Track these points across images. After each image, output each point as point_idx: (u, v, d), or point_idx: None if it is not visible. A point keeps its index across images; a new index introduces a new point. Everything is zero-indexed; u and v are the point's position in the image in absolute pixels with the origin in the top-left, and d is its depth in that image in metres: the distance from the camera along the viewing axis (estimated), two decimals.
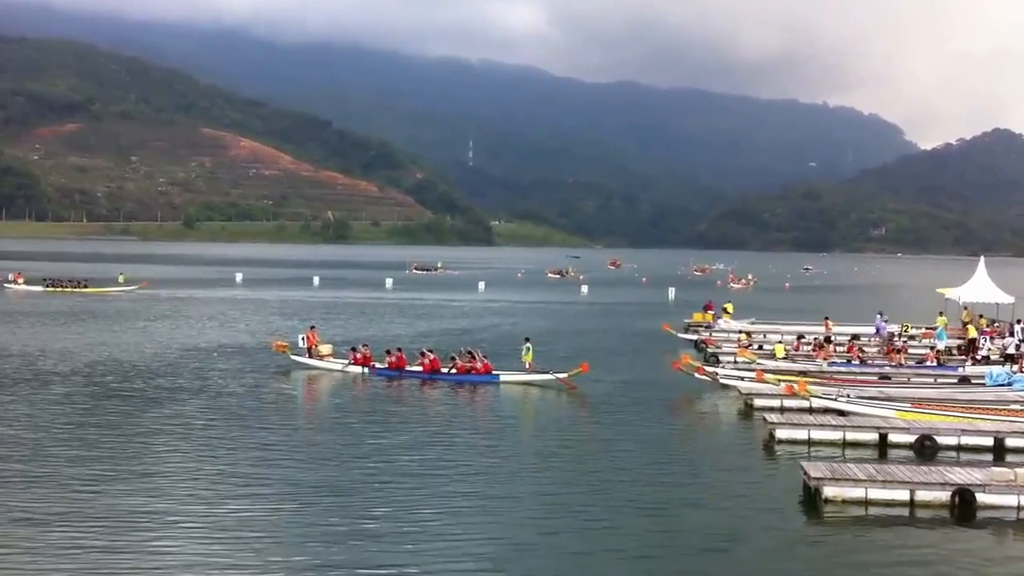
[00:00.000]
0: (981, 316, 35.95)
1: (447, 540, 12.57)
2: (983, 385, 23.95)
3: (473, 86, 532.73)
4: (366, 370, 25.92)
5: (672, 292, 67.34)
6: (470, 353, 25.86)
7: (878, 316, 35.87)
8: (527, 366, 25.49)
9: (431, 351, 26.22)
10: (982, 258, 40.70)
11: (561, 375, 24.76)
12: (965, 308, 37.21)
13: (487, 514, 13.80)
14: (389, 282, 75.25)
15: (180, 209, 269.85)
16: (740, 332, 34.44)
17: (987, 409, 20.30)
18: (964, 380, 25.41)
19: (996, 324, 35.77)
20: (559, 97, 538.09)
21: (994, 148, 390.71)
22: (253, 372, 26.61)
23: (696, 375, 25.33)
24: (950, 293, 39.33)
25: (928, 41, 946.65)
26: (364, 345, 27.27)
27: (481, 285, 73.81)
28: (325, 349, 27.19)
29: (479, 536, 12.83)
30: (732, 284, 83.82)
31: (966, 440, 18.59)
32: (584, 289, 73.58)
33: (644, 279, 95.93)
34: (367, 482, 15.35)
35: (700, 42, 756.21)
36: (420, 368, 25.37)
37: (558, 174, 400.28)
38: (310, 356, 26.97)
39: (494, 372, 25.05)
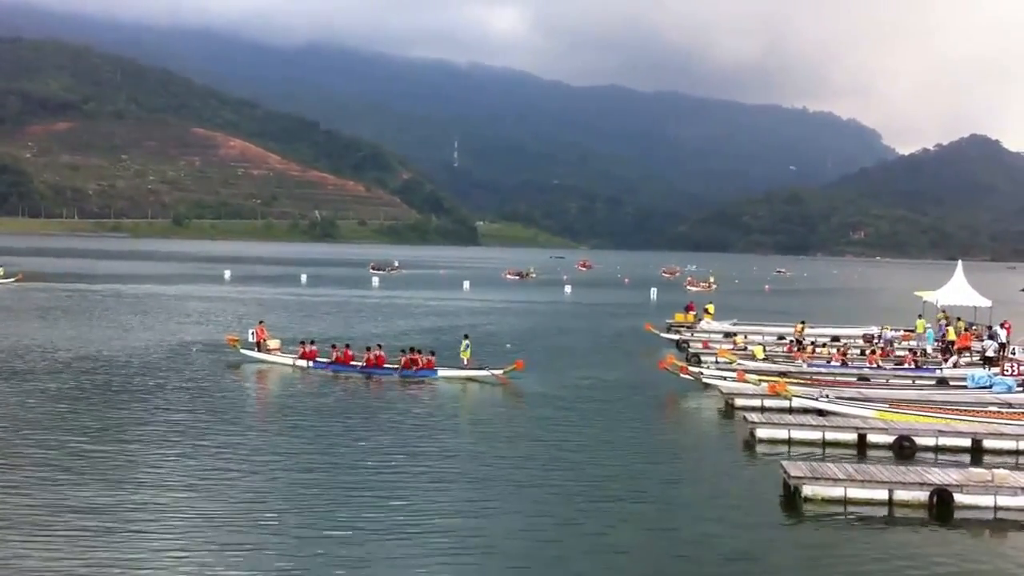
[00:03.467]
0: (959, 319, 36.34)
1: (416, 533, 12.46)
2: (960, 387, 24.19)
3: (460, 89, 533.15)
4: (311, 364, 26.38)
5: (654, 293, 67.64)
6: (412, 349, 26.36)
7: (943, 322, 34.61)
8: (465, 362, 26.12)
9: (380, 346, 26.83)
10: (959, 262, 41.16)
11: (497, 372, 25.35)
12: (943, 311, 37.62)
13: (463, 511, 13.68)
14: (375, 280, 75.25)
15: (170, 207, 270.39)
16: (736, 334, 34.58)
17: (965, 410, 20.48)
18: (942, 382, 25.65)
19: (974, 327, 36.18)
20: (545, 100, 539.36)
21: (971, 154, 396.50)
22: (202, 365, 26.82)
23: (681, 375, 25.41)
24: (928, 296, 39.75)
25: (906, 49, 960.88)
26: (312, 341, 27.90)
27: (466, 284, 73.79)
28: (273, 343, 27.83)
29: (456, 533, 12.72)
30: (690, 287, 79.45)
31: (944, 441, 18.74)
32: (567, 289, 73.83)
33: (626, 280, 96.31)
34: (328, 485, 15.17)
35: (684, 47, 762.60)
36: (363, 363, 25.91)
37: (543, 176, 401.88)
38: (259, 350, 27.48)
39: (434, 368, 25.60)
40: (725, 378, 24.78)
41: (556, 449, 18.06)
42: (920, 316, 36.46)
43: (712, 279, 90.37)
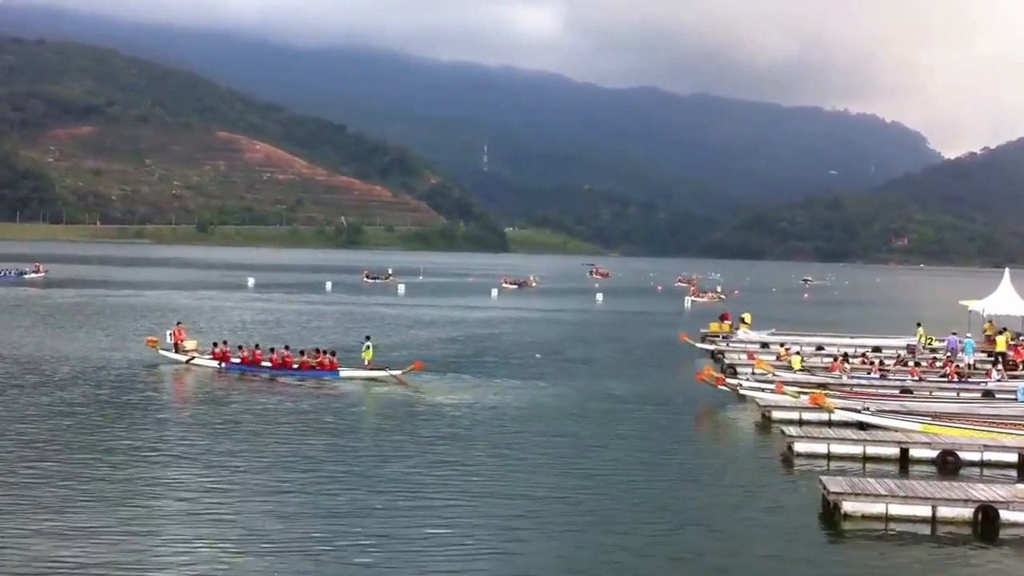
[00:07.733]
0: (1004, 330, 35.29)
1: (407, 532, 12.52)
2: (1007, 400, 23.51)
3: (490, 92, 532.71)
4: (223, 364, 27.60)
5: (688, 301, 66.92)
6: (317, 351, 27.50)
7: None
8: (366, 363, 26.89)
9: (287, 347, 28.17)
10: (1007, 270, 40.02)
11: (396, 372, 26.37)
12: (989, 321, 36.59)
13: (487, 526, 13.66)
14: (401, 288, 75.54)
15: (194, 213, 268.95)
16: (776, 344, 34.04)
17: (1011, 424, 19.92)
18: (987, 394, 24.97)
19: (1022, 337, 35.10)
20: (577, 103, 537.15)
21: (1019, 158, 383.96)
22: (121, 366, 27.91)
23: (718, 386, 25.16)
24: (974, 305, 38.70)
25: (951, 49, 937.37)
26: (224, 342, 29.14)
27: (494, 292, 74.00)
28: (190, 344, 29.20)
29: (480, 548, 12.72)
30: (694, 298, 71.55)
31: (989, 456, 18.27)
32: (599, 297, 73.52)
33: (660, 288, 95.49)
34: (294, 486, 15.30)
35: (720, 47, 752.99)
36: (270, 364, 27.10)
37: (575, 181, 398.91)
38: (176, 351, 28.79)
39: (336, 369, 26.43)
40: (763, 390, 24.41)
41: (588, 462, 17.94)
42: (919, 324, 35.39)
43: (720, 288, 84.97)
